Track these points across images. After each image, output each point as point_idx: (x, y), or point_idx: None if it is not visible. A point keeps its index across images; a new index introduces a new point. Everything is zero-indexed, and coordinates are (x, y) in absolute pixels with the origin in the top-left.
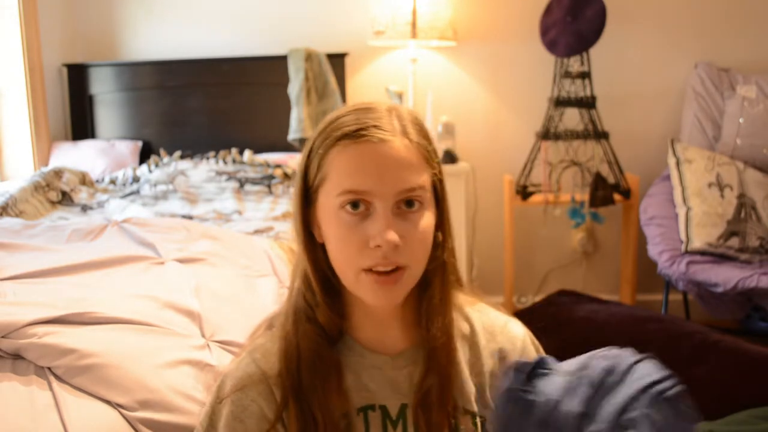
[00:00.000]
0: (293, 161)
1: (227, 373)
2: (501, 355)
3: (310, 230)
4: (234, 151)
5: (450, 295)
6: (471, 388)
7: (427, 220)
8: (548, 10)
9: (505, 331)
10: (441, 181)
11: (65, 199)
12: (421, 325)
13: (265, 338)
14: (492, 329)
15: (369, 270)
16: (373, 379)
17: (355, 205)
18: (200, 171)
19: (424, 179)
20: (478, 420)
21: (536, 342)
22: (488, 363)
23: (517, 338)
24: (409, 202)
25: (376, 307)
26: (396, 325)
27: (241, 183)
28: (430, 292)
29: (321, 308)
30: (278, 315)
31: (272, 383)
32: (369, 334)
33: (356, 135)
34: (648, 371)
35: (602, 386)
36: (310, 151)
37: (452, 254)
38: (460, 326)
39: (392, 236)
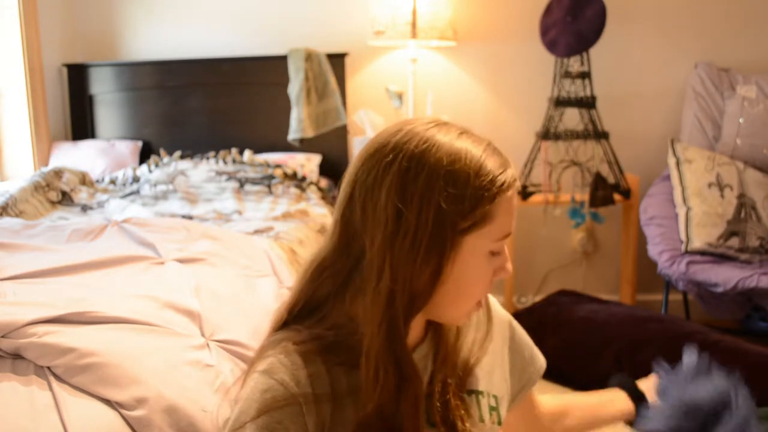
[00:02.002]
0: (293, 161)
1: (244, 398)
2: (502, 334)
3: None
4: (234, 151)
5: None
6: (477, 367)
7: None
8: (548, 10)
9: (494, 309)
10: None
11: (65, 199)
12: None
13: (286, 356)
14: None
15: (480, 302)
16: None
17: None
18: (200, 171)
19: None
20: (484, 397)
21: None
22: (498, 348)
23: (503, 314)
24: None
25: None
26: (420, 324)
27: (241, 183)
28: None
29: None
30: (306, 340)
31: (304, 405)
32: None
33: (513, 183)
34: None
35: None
36: (476, 192)
37: None
38: None
39: (510, 266)
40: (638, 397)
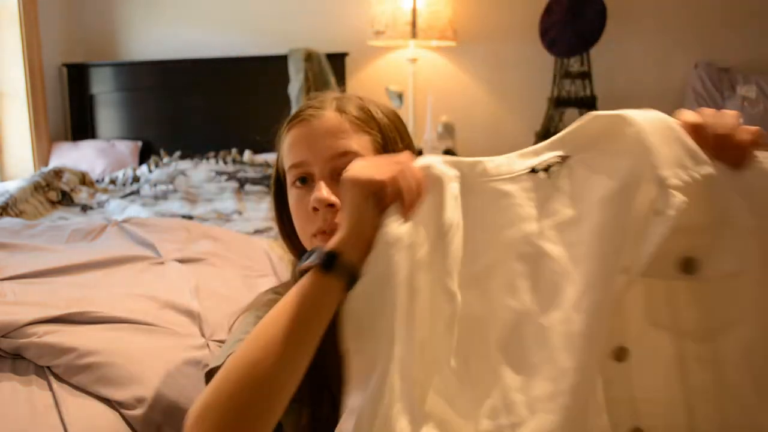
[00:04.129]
0: None
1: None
2: None
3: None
4: (234, 151)
5: None
6: None
7: None
8: (548, 10)
9: None
10: (389, 142)
11: (65, 199)
12: None
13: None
14: None
15: (315, 234)
16: None
17: (302, 179)
18: (200, 171)
19: (359, 143)
20: None
21: None
22: None
23: None
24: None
25: None
26: None
27: (241, 183)
28: None
29: None
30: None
31: None
32: None
33: (297, 118)
34: None
35: None
36: (279, 135)
37: None
38: None
39: (320, 194)
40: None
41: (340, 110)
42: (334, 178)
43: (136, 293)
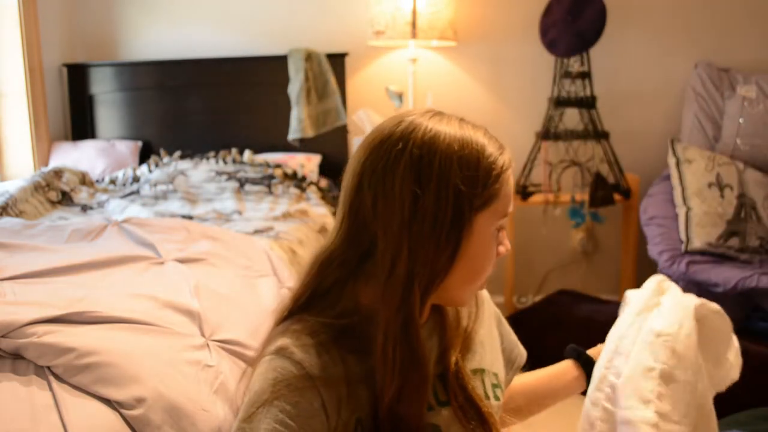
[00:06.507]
0: (293, 161)
1: (257, 381)
2: (497, 317)
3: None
4: (234, 151)
5: None
6: (480, 348)
7: None
8: (548, 10)
9: (485, 296)
10: None
11: (65, 199)
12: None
13: (297, 339)
14: (481, 295)
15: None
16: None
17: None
18: (200, 171)
19: None
20: (486, 375)
21: None
22: (486, 323)
23: (485, 294)
24: None
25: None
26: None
27: (241, 183)
28: None
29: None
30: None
31: (320, 386)
32: None
33: (509, 164)
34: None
35: None
36: (485, 172)
37: None
38: None
39: (509, 246)
40: (588, 364)
41: None
42: None
43: (136, 293)
